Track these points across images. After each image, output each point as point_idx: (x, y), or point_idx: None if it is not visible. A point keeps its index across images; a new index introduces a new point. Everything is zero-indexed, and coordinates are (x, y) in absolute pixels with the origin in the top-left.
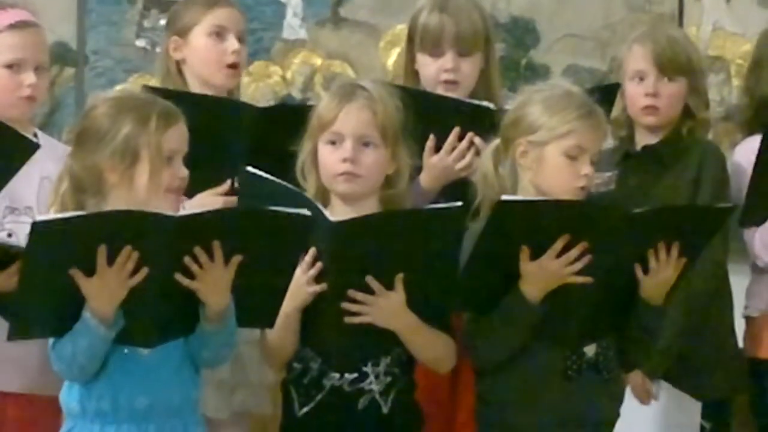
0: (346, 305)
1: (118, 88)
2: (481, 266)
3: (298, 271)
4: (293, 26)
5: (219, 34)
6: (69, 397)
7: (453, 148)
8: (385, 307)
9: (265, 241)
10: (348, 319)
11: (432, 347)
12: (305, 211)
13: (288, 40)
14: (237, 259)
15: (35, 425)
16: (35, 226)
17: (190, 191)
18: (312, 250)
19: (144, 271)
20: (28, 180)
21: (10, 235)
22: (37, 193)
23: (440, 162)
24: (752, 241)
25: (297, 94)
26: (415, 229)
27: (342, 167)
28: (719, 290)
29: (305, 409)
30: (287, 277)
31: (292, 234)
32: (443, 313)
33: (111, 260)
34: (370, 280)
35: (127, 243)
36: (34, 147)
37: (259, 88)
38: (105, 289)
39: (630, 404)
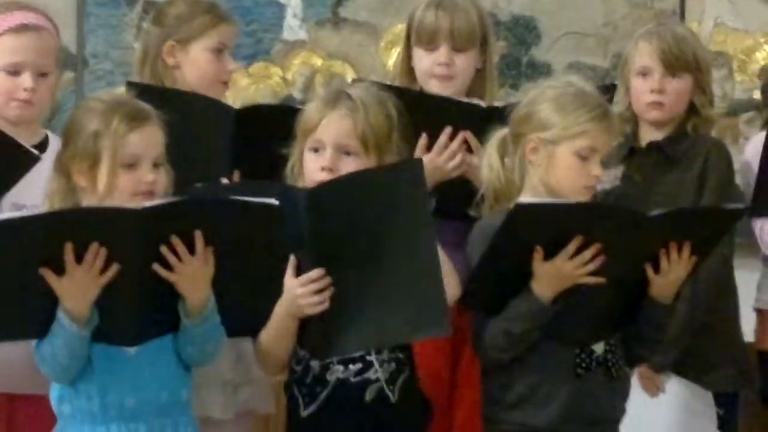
0: None
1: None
2: (494, 267)
3: (290, 279)
4: (293, 27)
5: (220, 51)
6: (58, 398)
7: (444, 148)
8: None
9: (236, 232)
10: None
11: None
12: (274, 201)
13: (288, 41)
14: (210, 250)
15: (42, 425)
16: None
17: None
18: (292, 258)
19: (114, 268)
20: (36, 178)
21: None
22: (45, 191)
23: (431, 162)
24: (761, 233)
25: (298, 95)
26: (377, 185)
27: (321, 175)
28: (725, 284)
29: (311, 408)
30: (265, 271)
31: (263, 223)
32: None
33: (80, 258)
34: None
35: (93, 240)
36: (34, 159)
37: (259, 90)
38: (76, 287)
39: (644, 397)
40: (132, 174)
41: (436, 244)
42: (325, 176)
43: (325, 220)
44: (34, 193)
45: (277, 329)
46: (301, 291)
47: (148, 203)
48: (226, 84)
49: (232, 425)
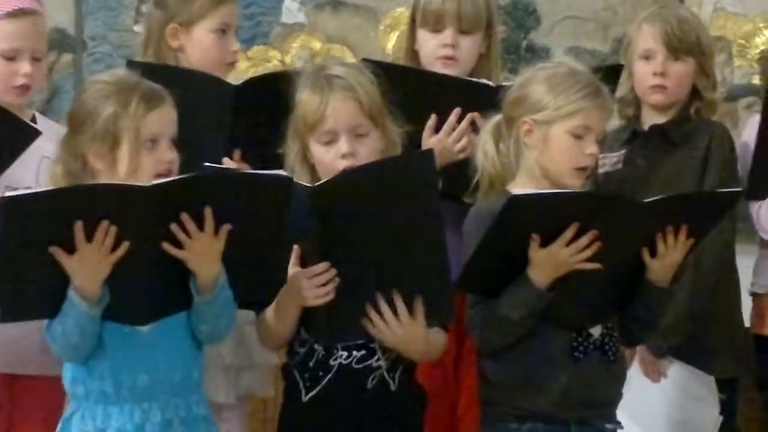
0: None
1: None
2: (490, 253)
3: (294, 269)
4: (292, 10)
5: (223, 31)
6: (71, 380)
7: (452, 129)
8: (402, 334)
9: (247, 205)
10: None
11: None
12: (284, 173)
13: (287, 24)
14: (226, 227)
15: (44, 406)
16: (2, 202)
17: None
18: (296, 248)
19: (125, 245)
20: (27, 160)
21: None
22: (36, 172)
23: (439, 143)
24: (758, 216)
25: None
26: (386, 179)
27: (342, 163)
28: (727, 270)
29: (312, 393)
30: (275, 244)
31: (273, 196)
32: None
33: (90, 236)
34: (397, 299)
35: (103, 217)
36: (35, 133)
37: (258, 73)
38: (86, 265)
39: (645, 382)
40: (152, 154)
41: (444, 235)
42: (347, 163)
43: (332, 212)
44: (26, 176)
45: (281, 312)
46: (305, 283)
47: (158, 180)
48: (231, 65)
49: (232, 408)
